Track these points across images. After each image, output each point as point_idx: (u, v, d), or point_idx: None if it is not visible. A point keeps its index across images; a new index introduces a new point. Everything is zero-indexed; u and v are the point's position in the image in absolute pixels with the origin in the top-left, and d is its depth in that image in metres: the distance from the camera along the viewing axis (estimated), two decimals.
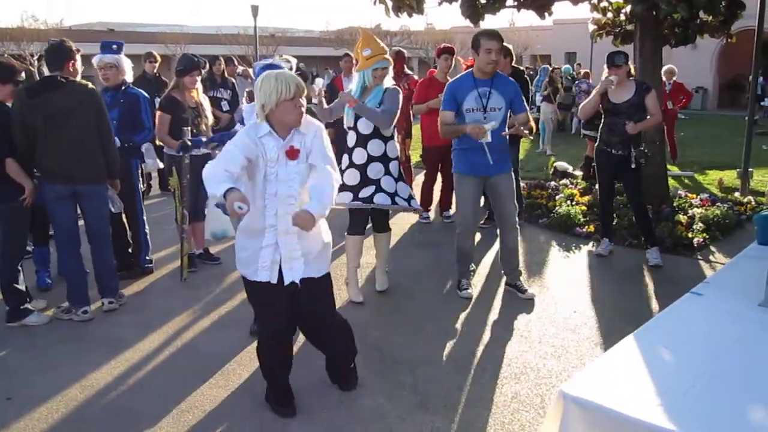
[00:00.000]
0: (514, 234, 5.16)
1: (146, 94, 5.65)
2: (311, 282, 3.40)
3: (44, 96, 4.48)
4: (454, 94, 4.92)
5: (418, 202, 5.35)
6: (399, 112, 4.89)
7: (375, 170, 4.87)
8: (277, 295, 3.36)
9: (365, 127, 4.84)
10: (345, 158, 4.90)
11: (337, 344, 3.67)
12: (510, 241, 5.18)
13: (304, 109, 3.24)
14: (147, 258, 5.74)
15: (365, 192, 4.82)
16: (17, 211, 4.56)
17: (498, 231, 5.35)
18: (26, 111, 4.46)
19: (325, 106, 4.96)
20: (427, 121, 7.12)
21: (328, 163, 3.30)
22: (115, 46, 5.51)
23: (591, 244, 6.55)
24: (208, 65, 8.23)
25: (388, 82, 4.88)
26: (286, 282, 3.34)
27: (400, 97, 4.91)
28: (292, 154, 3.23)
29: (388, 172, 4.90)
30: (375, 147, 4.87)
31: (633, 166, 5.76)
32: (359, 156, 4.86)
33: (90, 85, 4.72)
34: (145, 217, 5.73)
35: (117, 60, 5.43)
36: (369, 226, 5.19)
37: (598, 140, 6.05)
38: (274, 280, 3.32)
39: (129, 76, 5.59)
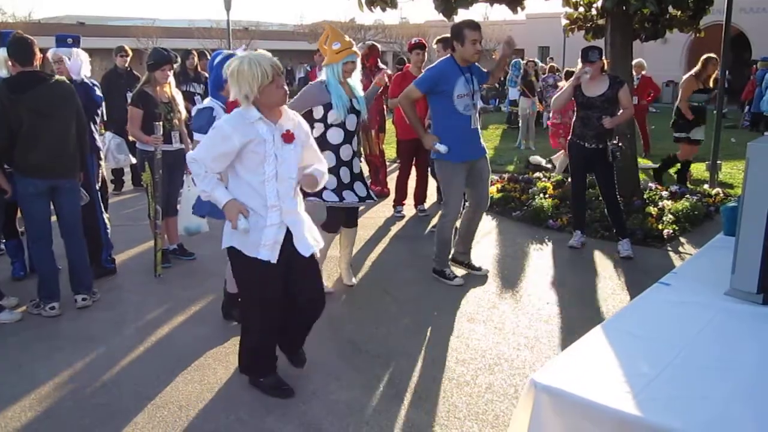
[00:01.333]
0: (481, 217, 5.55)
1: (96, 83, 5.67)
2: (313, 256, 3.54)
3: (28, 91, 4.43)
4: (437, 80, 5.06)
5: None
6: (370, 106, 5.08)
7: (357, 165, 4.98)
8: (274, 271, 3.38)
9: (352, 123, 4.87)
10: (331, 156, 4.77)
11: (314, 316, 3.72)
12: (477, 221, 5.52)
13: (285, 87, 3.29)
14: (109, 257, 5.63)
15: (359, 189, 4.93)
16: None
17: (464, 213, 5.50)
18: (8, 106, 4.38)
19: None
20: (399, 115, 7.19)
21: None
22: (70, 40, 5.45)
23: (564, 236, 6.63)
24: (180, 59, 8.17)
25: (356, 76, 4.91)
26: (307, 254, 3.45)
27: None
28: (288, 138, 3.30)
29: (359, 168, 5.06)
30: (355, 143, 4.97)
31: (610, 159, 5.85)
32: (346, 153, 4.88)
33: (68, 81, 4.73)
34: (106, 215, 5.65)
35: (71, 53, 5.37)
36: None
37: (571, 133, 6.13)
38: (275, 260, 3.35)
39: (86, 70, 5.53)
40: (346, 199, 4.84)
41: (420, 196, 7.69)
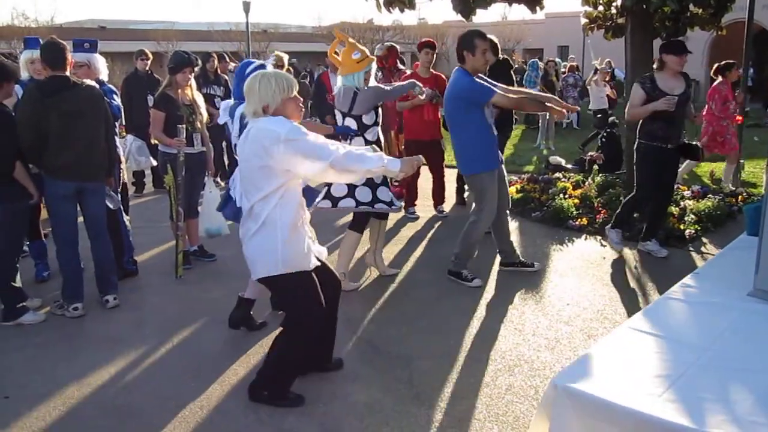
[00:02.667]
0: (507, 217, 5.62)
1: (115, 89, 5.75)
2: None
3: (58, 95, 4.54)
4: (482, 92, 5.05)
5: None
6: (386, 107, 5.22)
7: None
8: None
9: (372, 135, 4.99)
10: None
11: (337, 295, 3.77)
12: (506, 223, 5.57)
13: (301, 104, 3.38)
14: (131, 259, 5.69)
15: (382, 195, 4.96)
16: (19, 211, 4.60)
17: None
18: (39, 109, 4.48)
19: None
20: (409, 115, 7.21)
21: None
22: (87, 45, 5.49)
23: (584, 237, 6.59)
24: (200, 62, 8.23)
25: (372, 83, 5.03)
26: (323, 257, 3.66)
27: None
28: None
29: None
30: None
31: (699, 155, 5.86)
32: None
33: (97, 87, 4.89)
34: (127, 218, 5.71)
35: (89, 59, 5.43)
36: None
37: (645, 137, 5.68)
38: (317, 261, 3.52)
39: (104, 75, 5.60)
40: (359, 198, 4.90)
41: (438, 198, 7.68)
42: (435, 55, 7.39)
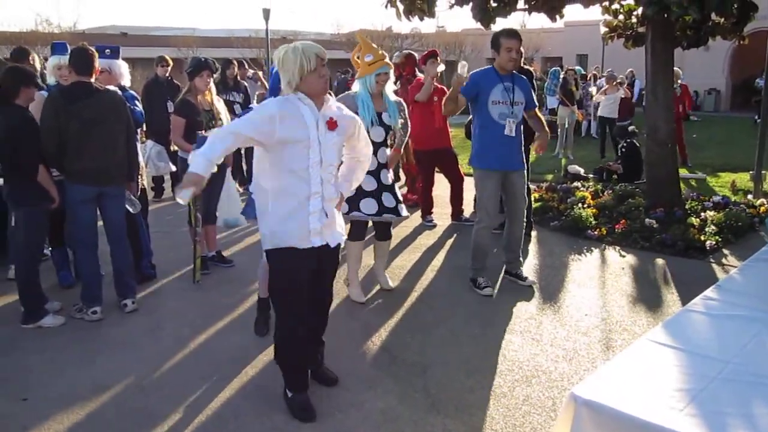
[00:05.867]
0: (521, 225, 5.40)
1: (137, 95, 5.84)
2: (338, 247, 3.57)
3: (81, 101, 4.60)
4: (478, 82, 5.09)
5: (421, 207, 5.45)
6: None
7: (385, 176, 4.98)
8: (312, 262, 3.42)
9: (378, 134, 4.86)
10: None
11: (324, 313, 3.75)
12: (517, 230, 5.39)
13: (327, 77, 3.34)
14: (149, 264, 5.72)
15: (387, 201, 4.90)
16: (40, 215, 4.67)
17: (506, 224, 5.47)
18: (62, 114, 4.55)
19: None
20: (420, 124, 7.09)
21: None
22: (108, 51, 5.56)
23: (603, 246, 6.54)
24: (220, 69, 8.28)
25: (390, 87, 4.96)
26: (334, 244, 3.48)
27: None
28: (332, 125, 3.33)
29: (394, 180, 5.08)
30: (382, 154, 4.95)
31: None
32: (371, 163, 4.89)
33: (119, 93, 4.97)
34: (146, 223, 5.75)
35: (109, 65, 5.49)
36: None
37: None
38: (323, 243, 3.41)
39: (126, 81, 5.65)
40: (362, 209, 4.81)
41: (456, 206, 7.64)
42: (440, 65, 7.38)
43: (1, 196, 4.95)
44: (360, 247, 5.18)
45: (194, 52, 29.83)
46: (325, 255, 3.48)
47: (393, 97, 4.98)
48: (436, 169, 7.66)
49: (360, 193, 4.72)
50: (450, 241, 6.92)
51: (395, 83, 8.26)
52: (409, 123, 5.33)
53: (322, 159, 3.29)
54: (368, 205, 4.83)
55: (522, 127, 5.24)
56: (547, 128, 5.35)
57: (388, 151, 5.05)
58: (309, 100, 3.26)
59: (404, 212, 5.05)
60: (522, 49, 6.15)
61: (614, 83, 12.79)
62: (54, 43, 5.77)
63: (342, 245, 3.63)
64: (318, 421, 3.43)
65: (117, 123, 4.80)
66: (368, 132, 4.74)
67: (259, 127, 3.19)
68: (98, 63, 4.82)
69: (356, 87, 4.93)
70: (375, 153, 4.86)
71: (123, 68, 5.62)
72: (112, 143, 4.77)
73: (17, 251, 4.79)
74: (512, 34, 5.04)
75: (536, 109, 5.36)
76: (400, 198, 5.08)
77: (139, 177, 5.77)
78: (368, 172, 4.86)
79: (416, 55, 8.61)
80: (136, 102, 5.72)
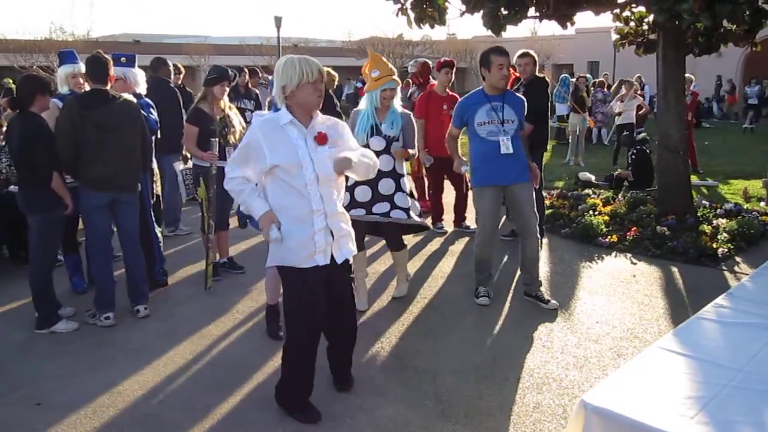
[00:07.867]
0: (534, 244, 5.16)
1: (152, 104, 5.92)
2: (346, 262, 3.54)
3: (97, 109, 4.66)
4: (461, 113, 5.16)
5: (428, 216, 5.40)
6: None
7: (386, 186, 4.90)
8: (320, 280, 3.40)
9: (378, 144, 4.88)
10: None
11: (350, 325, 3.74)
12: (530, 251, 5.17)
13: (322, 96, 3.34)
14: (161, 270, 5.74)
15: (379, 208, 4.85)
16: (54, 221, 4.72)
17: (520, 242, 5.35)
18: (78, 121, 4.60)
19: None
20: (431, 131, 7.17)
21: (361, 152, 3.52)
22: (123, 59, 5.61)
23: (614, 254, 6.53)
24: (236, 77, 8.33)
25: (397, 103, 4.98)
26: (340, 260, 3.45)
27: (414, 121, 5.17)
28: (321, 139, 3.32)
29: (399, 189, 4.95)
30: (384, 162, 4.84)
31: None
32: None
33: (134, 101, 5.05)
34: (158, 230, 5.79)
35: (124, 73, 5.54)
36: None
37: None
38: (328, 261, 3.39)
39: (142, 88, 5.70)
40: (362, 215, 4.79)
41: (459, 213, 7.65)
42: (453, 75, 7.44)
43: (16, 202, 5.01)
44: (360, 256, 5.11)
45: (206, 59, 30.04)
46: (333, 269, 3.46)
47: (400, 110, 5.01)
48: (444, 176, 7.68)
49: (353, 203, 4.79)
50: (460, 248, 6.92)
51: (415, 93, 8.34)
52: (414, 132, 5.15)
53: (318, 176, 3.28)
54: (358, 213, 4.80)
55: (527, 138, 5.24)
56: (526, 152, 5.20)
57: (392, 159, 4.98)
58: (294, 117, 3.27)
59: (398, 214, 4.88)
60: (535, 56, 6.14)
61: (632, 89, 12.76)
62: (61, 51, 5.80)
63: (350, 260, 3.61)
64: (328, 427, 3.44)
65: (132, 130, 4.86)
66: (367, 144, 4.78)
67: (252, 155, 3.27)
68: (113, 70, 4.88)
69: (363, 103, 5.00)
70: None
71: (139, 76, 5.68)
72: (127, 150, 4.83)
73: (31, 257, 4.83)
74: (502, 51, 5.01)
75: (525, 131, 5.34)
76: (404, 206, 4.93)
77: (154, 183, 5.83)
78: (363, 182, 4.80)
79: (429, 62, 8.68)
80: (151, 110, 5.76)
